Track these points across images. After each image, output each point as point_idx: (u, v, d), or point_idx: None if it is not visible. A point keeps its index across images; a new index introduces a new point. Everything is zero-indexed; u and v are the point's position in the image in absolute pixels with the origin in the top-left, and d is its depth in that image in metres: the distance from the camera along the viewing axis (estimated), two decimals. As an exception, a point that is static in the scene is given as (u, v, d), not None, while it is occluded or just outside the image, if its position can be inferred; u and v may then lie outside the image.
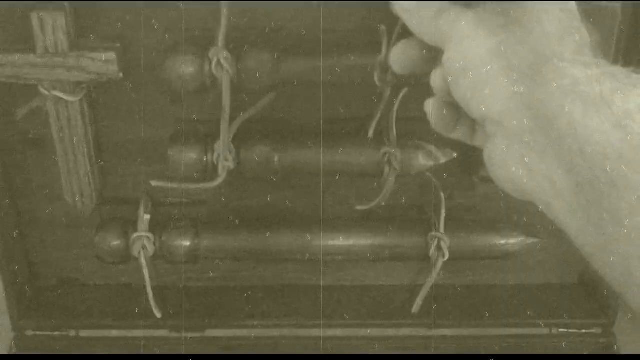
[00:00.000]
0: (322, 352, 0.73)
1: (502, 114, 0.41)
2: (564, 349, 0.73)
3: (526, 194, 0.42)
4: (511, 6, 0.42)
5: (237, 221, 0.68)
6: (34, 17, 0.56)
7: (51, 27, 0.56)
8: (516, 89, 0.41)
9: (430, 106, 0.48)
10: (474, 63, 0.43)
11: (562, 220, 0.40)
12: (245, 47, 0.58)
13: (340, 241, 0.67)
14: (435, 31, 0.46)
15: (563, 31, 0.42)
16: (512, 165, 0.41)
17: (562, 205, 0.39)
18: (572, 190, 0.38)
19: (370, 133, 0.62)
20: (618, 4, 0.57)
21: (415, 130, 0.63)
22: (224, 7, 0.55)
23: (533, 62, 0.41)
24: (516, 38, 0.42)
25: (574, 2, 0.44)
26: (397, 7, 0.48)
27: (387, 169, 0.62)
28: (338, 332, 0.74)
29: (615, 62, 0.59)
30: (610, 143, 0.36)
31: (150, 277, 0.65)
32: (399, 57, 0.49)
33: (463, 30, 0.44)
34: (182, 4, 0.59)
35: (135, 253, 0.65)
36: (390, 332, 0.74)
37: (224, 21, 0.56)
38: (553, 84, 0.39)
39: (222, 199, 0.69)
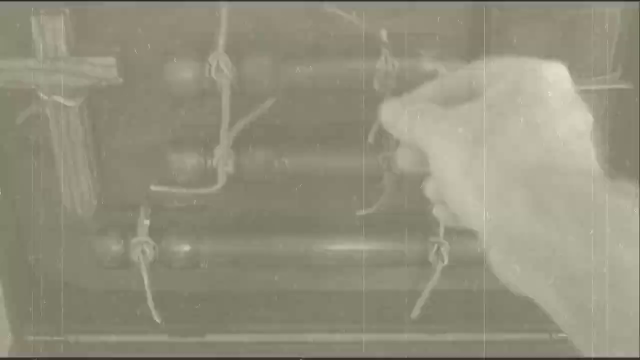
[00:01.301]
0: (322, 357, 0.73)
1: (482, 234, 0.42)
2: (564, 354, 0.73)
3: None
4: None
5: (236, 226, 0.68)
6: (34, 22, 0.56)
7: (51, 32, 0.56)
8: (486, 214, 0.41)
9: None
10: (450, 182, 0.43)
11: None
12: (245, 52, 0.58)
13: (340, 246, 0.67)
14: (416, 142, 0.46)
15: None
16: (507, 276, 0.42)
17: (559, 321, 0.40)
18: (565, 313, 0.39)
19: (371, 138, 0.62)
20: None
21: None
22: (224, 12, 0.55)
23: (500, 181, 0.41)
24: (487, 152, 0.42)
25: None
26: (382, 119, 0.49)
27: (386, 174, 0.62)
28: (338, 337, 0.74)
29: (614, 65, 0.59)
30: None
31: (149, 282, 0.65)
32: (435, 190, 0.49)
33: (437, 145, 0.44)
34: (182, 4, 0.59)
35: (135, 258, 0.65)
36: (390, 337, 0.74)
37: (223, 26, 0.56)
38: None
39: (222, 204, 0.69)
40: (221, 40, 0.56)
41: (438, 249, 0.66)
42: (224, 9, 0.55)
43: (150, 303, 0.66)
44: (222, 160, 0.61)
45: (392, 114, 0.49)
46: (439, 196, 0.46)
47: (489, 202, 0.41)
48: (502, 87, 0.44)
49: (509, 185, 0.40)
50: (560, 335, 0.73)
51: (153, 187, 0.63)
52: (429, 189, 0.48)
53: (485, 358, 0.73)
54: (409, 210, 0.69)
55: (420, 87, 0.50)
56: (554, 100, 0.43)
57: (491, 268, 0.43)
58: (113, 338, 0.74)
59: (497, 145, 0.42)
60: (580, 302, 0.37)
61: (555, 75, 0.44)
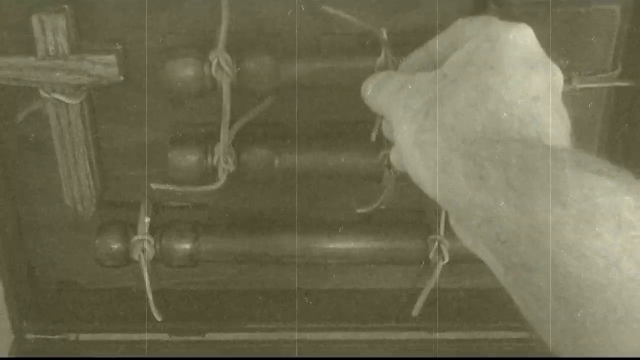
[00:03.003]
0: (323, 356, 0.73)
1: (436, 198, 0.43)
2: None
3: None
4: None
5: (237, 224, 0.68)
6: (35, 20, 0.56)
7: (52, 29, 0.56)
8: (433, 183, 0.43)
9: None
10: (405, 152, 0.44)
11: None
12: (246, 50, 0.58)
13: (340, 244, 0.67)
14: (380, 111, 0.48)
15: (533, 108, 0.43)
16: (462, 239, 0.45)
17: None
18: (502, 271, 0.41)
19: (373, 137, 0.62)
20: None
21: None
22: (225, 9, 0.55)
23: (445, 151, 0.42)
24: (433, 122, 0.43)
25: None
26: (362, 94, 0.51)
27: (386, 172, 0.62)
28: (338, 335, 0.74)
29: (614, 64, 0.59)
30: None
31: (150, 281, 0.65)
32: (398, 158, 0.50)
33: (395, 114, 0.45)
34: (184, 2, 0.59)
35: (135, 256, 0.65)
36: (391, 335, 0.74)
37: (224, 23, 0.56)
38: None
39: (222, 202, 0.69)
40: (222, 38, 0.56)
41: (438, 246, 0.66)
42: (225, 7, 0.55)
43: (150, 301, 0.66)
44: (223, 158, 0.61)
45: (366, 87, 0.51)
46: (400, 166, 0.47)
47: (433, 172, 0.42)
48: (458, 54, 0.45)
49: (452, 155, 0.41)
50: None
51: (153, 185, 0.63)
52: (393, 157, 0.50)
53: (486, 357, 0.73)
54: (409, 208, 0.69)
55: (410, 55, 0.52)
56: (509, 64, 0.43)
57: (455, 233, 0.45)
58: (114, 337, 0.74)
59: (444, 114, 0.42)
60: (511, 262, 0.38)
61: (517, 38, 0.44)
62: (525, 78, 0.43)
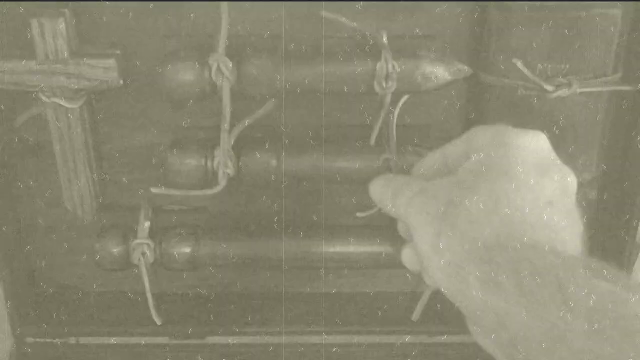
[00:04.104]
0: (322, 358, 0.73)
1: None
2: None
3: None
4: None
5: (237, 228, 0.68)
6: (34, 24, 0.56)
7: (51, 33, 0.56)
8: (450, 285, 0.44)
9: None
10: (423, 255, 0.46)
11: None
12: (246, 54, 0.58)
13: (340, 248, 0.67)
14: (397, 216, 0.50)
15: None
16: (477, 339, 0.46)
17: None
18: None
19: (372, 140, 0.62)
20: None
21: (415, 137, 0.63)
22: (224, 14, 0.55)
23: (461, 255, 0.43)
24: (449, 228, 0.44)
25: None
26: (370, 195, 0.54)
27: (387, 176, 0.62)
28: (338, 339, 0.74)
29: (615, 68, 0.59)
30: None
31: (150, 284, 0.65)
32: (410, 258, 0.52)
33: (412, 219, 0.47)
34: (183, 6, 0.59)
35: (135, 260, 0.65)
36: (391, 339, 0.74)
37: (224, 27, 0.56)
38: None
39: (222, 205, 0.69)
40: (221, 42, 0.56)
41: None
42: (224, 11, 0.55)
43: (150, 305, 0.66)
44: (223, 162, 0.61)
45: (378, 191, 0.53)
46: (412, 265, 0.50)
47: (450, 276, 0.44)
48: (473, 161, 0.47)
49: (467, 260, 0.43)
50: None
51: (153, 189, 0.63)
52: (405, 256, 0.52)
53: None
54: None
55: (426, 157, 0.53)
56: (522, 171, 0.45)
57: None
58: (114, 340, 0.74)
59: (459, 220, 0.44)
60: None
61: (530, 144, 0.46)
62: (538, 184, 0.44)
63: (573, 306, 0.38)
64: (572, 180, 0.46)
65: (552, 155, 0.47)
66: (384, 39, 0.57)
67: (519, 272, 0.40)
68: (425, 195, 0.47)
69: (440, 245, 0.44)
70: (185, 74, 0.57)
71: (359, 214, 0.65)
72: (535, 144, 0.46)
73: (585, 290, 0.38)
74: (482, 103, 0.61)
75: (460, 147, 0.50)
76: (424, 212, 0.46)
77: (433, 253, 0.45)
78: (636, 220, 0.65)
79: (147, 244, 0.64)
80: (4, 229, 0.67)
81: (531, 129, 0.47)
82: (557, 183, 0.45)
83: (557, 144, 0.61)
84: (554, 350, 0.38)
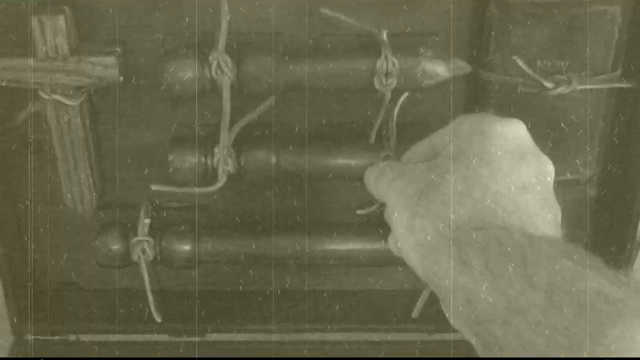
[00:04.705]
0: (322, 357, 0.73)
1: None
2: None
3: None
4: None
5: (237, 225, 0.68)
6: (35, 21, 0.56)
7: (51, 31, 0.56)
8: (423, 266, 0.45)
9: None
10: (399, 236, 0.47)
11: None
12: (246, 51, 0.58)
13: (340, 246, 0.67)
14: (379, 198, 0.52)
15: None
16: (448, 317, 0.46)
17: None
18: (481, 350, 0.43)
19: (372, 138, 0.62)
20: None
21: (415, 134, 0.63)
22: (224, 11, 0.55)
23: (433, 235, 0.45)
24: (424, 210, 0.46)
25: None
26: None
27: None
28: (338, 336, 0.74)
29: (614, 65, 0.59)
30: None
31: (150, 282, 0.65)
32: (395, 243, 0.52)
33: (390, 201, 0.49)
34: (183, 4, 0.59)
35: (135, 257, 0.65)
36: (391, 336, 0.74)
37: (224, 25, 0.56)
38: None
39: (222, 203, 0.69)
40: (221, 40, 0.56)
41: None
42: (224, 8, 0.55)
43: (150, 302, 0.66)
44: (223, 160, 0.61)
45: (368, 176, 0.54)
46: (397, 250, 0.50)
47: (423, 257, 0.45)
48: (451, 146, 0.48)
49: (439, 241, 0.44)
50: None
51: (153, 187, 0.63)
52: (390, 242, 0.52)
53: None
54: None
55: (415, 146, 0.55)
56: (498, 156, 0.46)
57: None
58: (114, 337, 0.74)
59: (433, 202, 0.45)
60: (487, 341, 0.41)
61: (508, 132, 0.47)
62: (513, 169, 0.46)
63: (534, 281, 0.39)
64: (549, 169, 0.47)
65: (530, 143, 0.48)
66: (384, 37, 0.57)
67: (487, 251, 0.41)
68: (403, 178, 0.49)
69: (415, 227, 0.45)
70: (185, 72, 0.57)
71: (359, 211, 0.65)
72: (513, 132, 0.47)
73: (548, 268, 0.39)
74: (482, 100, 0.61)
75: (446, 136, 0.51)
76: (401, 194, 0.47)
77: (408, 234, 0.46)
78: (636, 218, 0.65)
79: (147, 242, 0.65)
80: (4, 226, 0.67)
81: (517, 119, 0.48)
82: (533, 170, 0.46)
83: (557, 141, 0.62)
84: (513, 324, 0.39)
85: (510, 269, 0.40)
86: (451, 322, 0.46)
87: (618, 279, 0.38)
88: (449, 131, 0.50)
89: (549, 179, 0.47)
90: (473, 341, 0.43)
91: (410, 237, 0.46)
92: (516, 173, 0.46)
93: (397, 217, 0.47)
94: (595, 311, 0.36)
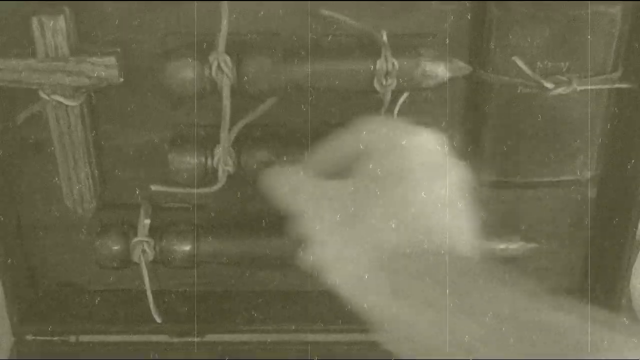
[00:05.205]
0: (323, 357, 0.73)
1: None
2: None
3: None
4: None
5: (237, 226, 0.68)
6: (34, 21, 0.56)
7: (51, 31, 0.56)
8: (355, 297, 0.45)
9: None
10: (324, 265, 0.46)
11: None
12: (246, 52, 0.58)
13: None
14: (295, 212, 0.49)
15: None
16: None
17: None
18: None
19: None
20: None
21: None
22: (224, 11, 0.55)
23: None
24: (351, 239, 0.44)
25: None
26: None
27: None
28: (339, 337, 0.74)
29: (614, 65, 0.59)
30: None
31: (150, 282, 0.65)
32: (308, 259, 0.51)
33: (313, 226, 0.47)
34: (183, 4, 0.59)
35: (135, 258, 0.65)
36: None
37: (224, 25, 0.56)
38: None
39: (222, 203, 0.69)
40: (221, 40, 0.56)
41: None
42: (224, 9, 0.55)
43: (150, 303, 0.66)
44: (223, 160, 0.61)
45: (271, 185, 0.53)
46: (319, 267, 0.47)
47: (355, 286, 0.43)
48: (368, 165, 0.46)
49: (371, 270, 0.42)
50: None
51: (153, 187, 0.63)
52: (303, 257, 0.49)
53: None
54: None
55: (319, 149, 0.53)
56: (420, 174, 0.44)
57: None
58: (114, 338, 0.74)
59: (360, 230, 0.44)
60: None
61: (426, 145, 0.46)
62: (434, 186, 0.44)
63: (473, 312, 0.37)
64: (464, 177, 0.46)
65: (444, 151, 0.47)
66: (384, 37, 0.58)
67: (422, 280, 0.40)
68: (324, 200, 0.46)
69: (344, 257, 0.44)
70: (185, 72, 0.57)
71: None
72: (428, 144, 0.46)
73: (485, 296, 0.38)
74: (482, 101, 0.62)
75: (354, 141, 0.49)
76: (325, 219, 0.45)
77: (337, 263, 0.44)
78: (636, 218, 0.65)
79: (147, 242, 0.65)
80: (4, 226, 0.67)
81: (430, 128, 0.47)
82: (453, 183, 0.45)
83: (557, 141, 0.62)
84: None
85: (448, 300, 0.38)
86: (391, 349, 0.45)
87: (556, 304, 0.37)
88: (358, 139, 0.49)
89: (465, 188, 0.46)
90: None
91: (339, 265, 0.44)
92: (438, 189, 0.44)
93: (322, 243, 0.45)
94: (541, 343, 0.35)
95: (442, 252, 0.42)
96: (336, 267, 0.44)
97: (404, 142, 0.45)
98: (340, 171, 0.49)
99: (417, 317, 0.39)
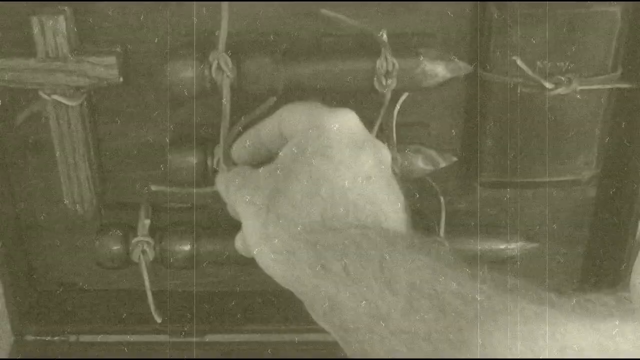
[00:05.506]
0: (322, 357, 0.73)
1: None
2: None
3: None
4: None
5: (237, 226, 0.68)
6: (34, 21, 0.56)
7: (51, 31, 0.56)
8: (282, 274, 0.45)
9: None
10: (253, 246, 0.46)
11: None
12: (246, 51, 0.58)
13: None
14: (231, 206, 0.51)
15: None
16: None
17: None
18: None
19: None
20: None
21: (415, 134, 0.63)
22: (224, 11, 0.55)
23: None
24: (275, 216, 0.45)
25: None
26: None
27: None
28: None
29: (614, 65, 0.59)
30: None
31: (150, 282, 0.65)
32: (242, 245, 0.52)
33: (240, 209, 0.48)
34: (183, 4, 0.59)
35: (135, 258, 0.65)
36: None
37: (224, 25, 0.56)
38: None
39: (222, 203, 0.69)
40: (221, 40, 0.56)
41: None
42: (224, 8, 0.55)
43: (150, 303, 0.66)
44: (223, 160, 0.61)
45: (218, 185, 0.54)
46: (245, 252, 0.49)
47: (281, 263, 0.44)
48: (289, 146, 0.47)
49: (295, 246, 0.43)
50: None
51: (153, 187, 0.63)
52: (238, 242, 0.51)
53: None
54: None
55: (241, 136, 0.55)
56: (338, 150, 0.45)
57: None
58: (114, 338, 0.74)
59: (283, 207, 0.45)
60: (352, 350, 0.41)
61: (342, 123, 0.47)
62: (354, 161, 0.45)
63: (393, 285, 0.38)
64: (385, 153, 0.47)
65: (364, 130, 0.48)
66: (384, 37, 0.57)
67: (345, 255, 0.41)
68: (249, 186, 0.48)
69: (269, 235, 0.44)
70: (185, 72, 0.57)
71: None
72: (346, 122, 0.47)
73: (406, 266, 0.38)
74: (482, 101, 0.61)
75: (274, 127, 0.50)
76: (250, 203, 0.46)
77: (262, 243, 0.45)
78: (636, 218, 0.65)
79: (147, 242, 0.65)
80: (4, 226, 0.67)
81: (347, 108, 0.48)
82: (372, 157, 0.46)
83: (557, 141, 0.62)
84: (377, 331, 0.38)
85: (370, 273, 0.39)
86: (322, 325, 0.45)
87: (476, 275, 0.38)
88: (276, 123, 0.50)
89: (387, 165, 0.47)
90: (343, 346, 0.43)
91: (265, 246, 0.45)
92: (358, 164, 0.45)
93: (249, 226, 0.46)
94: (455, 314, 0.36)
95: (366, 224, 0.43)
96: (263, 245, 0.45)
97: (321, 122, 0.47)
98: (266, 158, 0.51)
99: (338, 290, 0.40)
